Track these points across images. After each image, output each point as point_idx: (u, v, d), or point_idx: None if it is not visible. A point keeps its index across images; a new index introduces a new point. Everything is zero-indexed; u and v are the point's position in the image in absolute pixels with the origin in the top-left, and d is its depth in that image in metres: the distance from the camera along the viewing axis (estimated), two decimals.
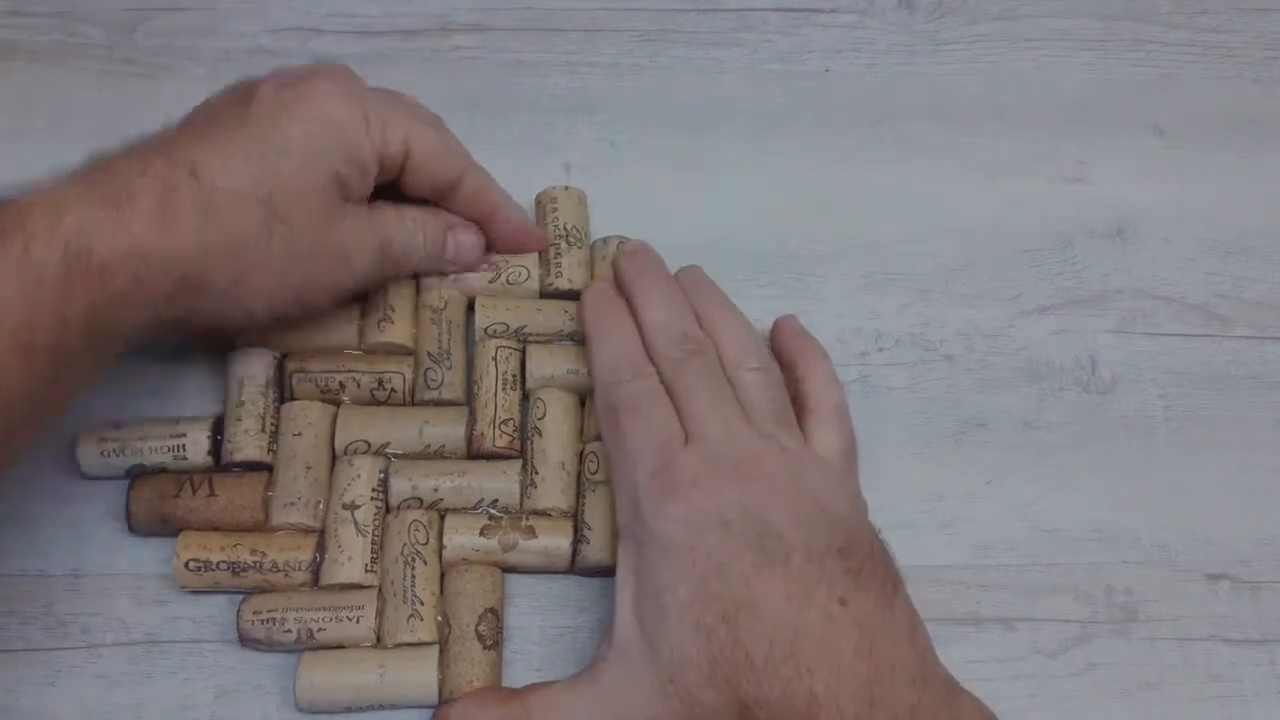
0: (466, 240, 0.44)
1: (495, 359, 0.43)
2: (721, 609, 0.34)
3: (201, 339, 0.43)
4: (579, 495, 0.42)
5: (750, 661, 0.33)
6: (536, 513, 0.41)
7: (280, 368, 0.43)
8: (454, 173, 0.43)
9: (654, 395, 0.38)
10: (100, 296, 0.33)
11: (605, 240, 0.46)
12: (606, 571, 0.42)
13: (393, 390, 0.43)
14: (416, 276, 0.44)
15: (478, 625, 0.39)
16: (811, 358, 0.42)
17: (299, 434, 0.41)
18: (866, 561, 0.35)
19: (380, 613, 0.40)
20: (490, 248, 0.45)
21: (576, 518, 0.42)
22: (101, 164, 0.35)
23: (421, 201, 0.43)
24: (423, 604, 0.40)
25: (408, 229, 0.42)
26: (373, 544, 0.40)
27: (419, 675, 0.39)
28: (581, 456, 0.43)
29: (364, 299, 0.44)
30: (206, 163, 0.35)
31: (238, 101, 0.38)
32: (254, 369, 0.42)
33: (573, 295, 0.45)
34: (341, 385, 0.43)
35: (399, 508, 0.41)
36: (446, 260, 0.44)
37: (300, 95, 0.38)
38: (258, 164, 0.36)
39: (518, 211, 0.45)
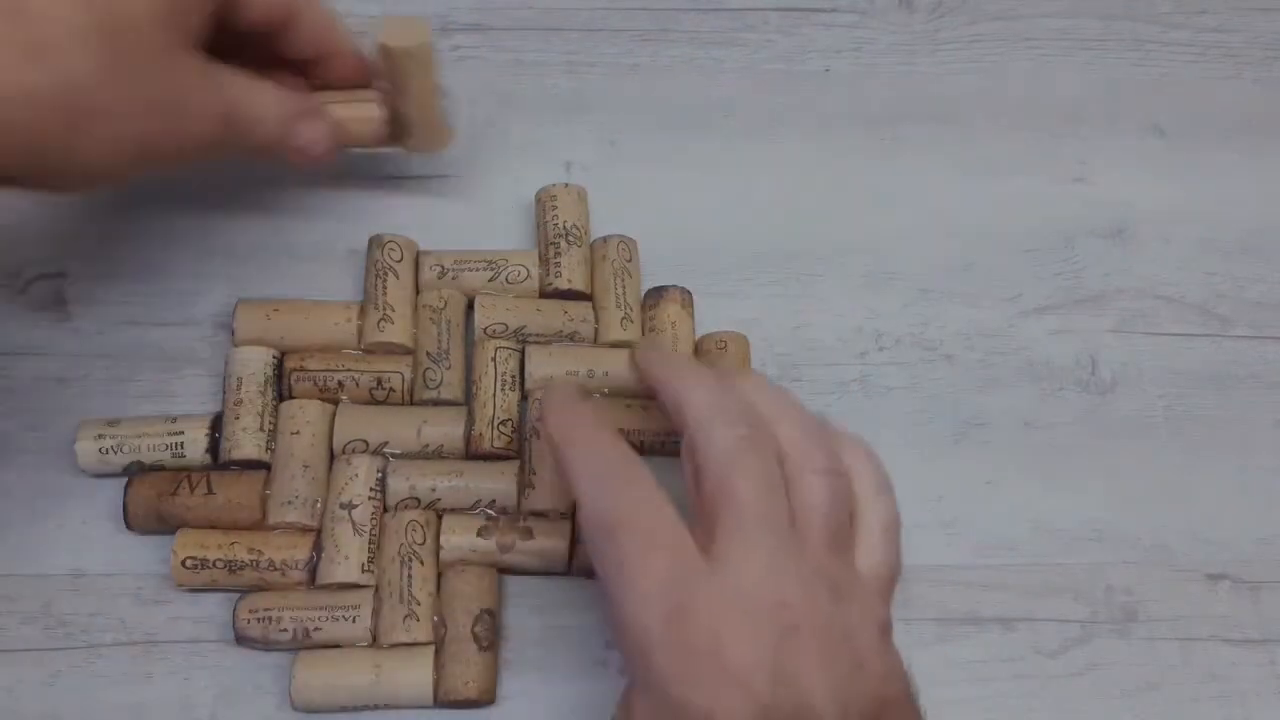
0: (317, 132, 0.40)
1: (494, 359, 0.43)
2: None
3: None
4: None
5: None
6: (534, 514, 0.41)
7: (279, 366, 0.43)
8: (292, 6, 0.40)
9: (659, 505, 0.31)
10: None
11: (605, 239, 0.46)
12: None
13: (391, 390, 0.43)
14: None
15: (474, 626, 0.39)
16: (855, 455, 0.35)
17: (297, 433, 0.41)
18: None
19: (376, 613, 0.40)
20: (326, 85, 0.42)
21: (574, 519, 0.42)
22: None
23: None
24: (419, 604, 0.40)
25: (257, 99, 0.38)
26: (370, 544, 0.40)
27: (414, 676, 0.39)
28: None
29: (363, 299, 0.44)
30: None
31: None
32: (253, 367, 0.42)
33: (572, 295, 0.45)
34: (340, 384, 0.43)
35: (396, 508, 0.41)
36: (293, 147, 0.40)
37: None
38: None
39: (355, 53, 0.42)
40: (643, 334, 0.45)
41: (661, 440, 0.43)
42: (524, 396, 0.43)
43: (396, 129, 0.43)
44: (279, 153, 0.40)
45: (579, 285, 0.45)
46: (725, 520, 0.31)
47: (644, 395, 0.37)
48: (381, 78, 0.42)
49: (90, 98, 0.32)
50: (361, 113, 0.43)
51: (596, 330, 0.44)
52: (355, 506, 0.41)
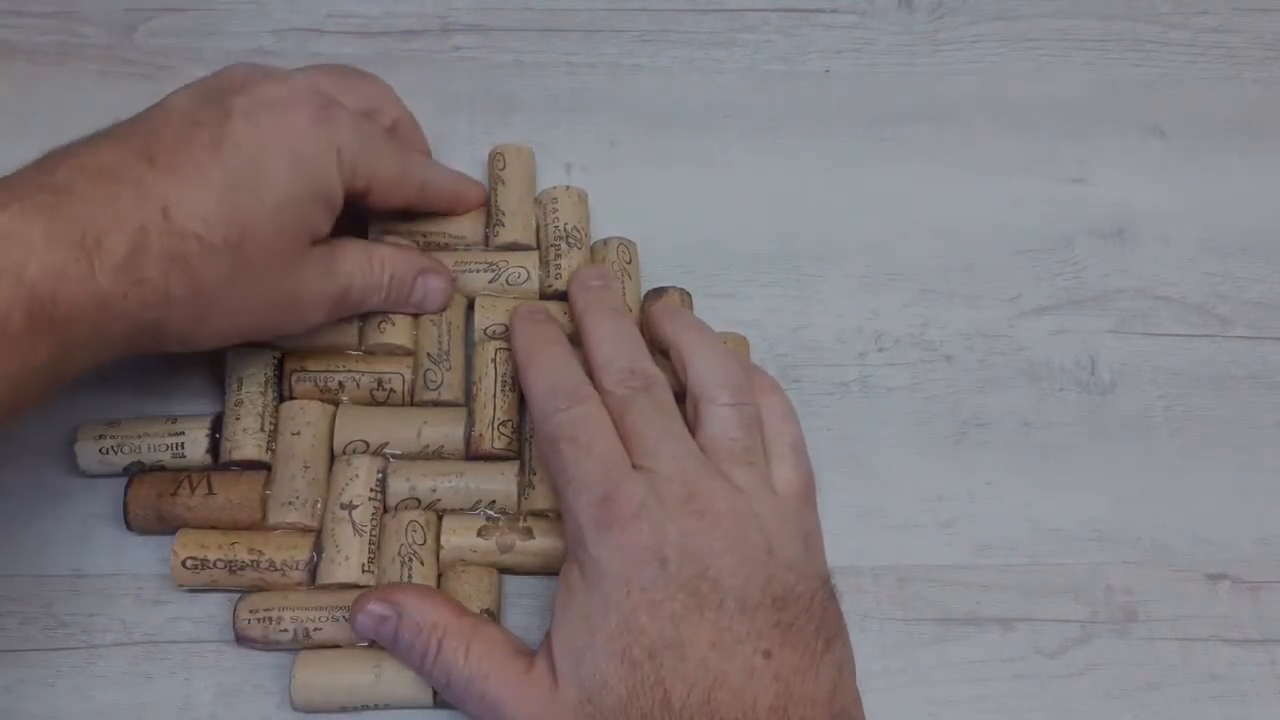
0: (436, 285, 0.43)
1: (494, 360, 0.43)
2: (648, 644, 0.34)
3: None
4: None
5: (668, 701, 0.33)
6: (534, 514, 0.41)
7: (280, 367, 0.43)
8: (413, 191, 0.43)
9: (594, 421, 0.37)
10: (61, 343, 0.32)
11: (606, 241, 0.46)
12: None
13: (392, 390, 0.43)
14: None
15: None
16: (763, 392, 0.41)
17: (298, 433, 0.41)
18: (802, 614, 0.35)
19: None
20: (448, 213, 0.45)
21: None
22: (64, 178, 0.33)
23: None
24: None
25: (372, 272, 0.41)
26: (370, 544, 0.40)
27: (414, 676, 0.39)
28: None
29: None
30: (179, 202, 0.34)
31: (211, 115, 0.36)
32: (253, 368, 0.42)
33: None
34: (341, 385, 0.43)
35: (397, 508, 0.41)
36: (411, 303, 0.43)
37: (277, 125, 0.36)
38: (230, 206, 0.35)
39: (475, 189, 0.46)
40: (643, 334, 0.45)
41: None
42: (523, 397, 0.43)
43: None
44: (392, 309, 0.43)
45: None
46: (632, 443, 0.37)
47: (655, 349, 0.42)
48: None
49: (214, 301, 0.35)
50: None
51: None
52: (355, 507, 0.41)
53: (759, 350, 0.46)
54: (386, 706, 0.39)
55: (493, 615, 0.40)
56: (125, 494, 0.41)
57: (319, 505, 0.41)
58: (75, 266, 0.32)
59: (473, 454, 0.42)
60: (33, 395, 0.32)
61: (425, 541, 0.40)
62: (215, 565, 0.39)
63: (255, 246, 0.36)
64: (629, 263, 0.45)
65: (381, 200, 0.42)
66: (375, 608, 0.37)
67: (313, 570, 0.40)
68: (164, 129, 0.35)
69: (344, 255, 0.40)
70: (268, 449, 0.41)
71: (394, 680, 0.39)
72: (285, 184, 0.36)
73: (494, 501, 0.41)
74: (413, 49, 0.51)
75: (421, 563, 0.40)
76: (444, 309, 0.44)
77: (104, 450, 0.41)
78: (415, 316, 0.44)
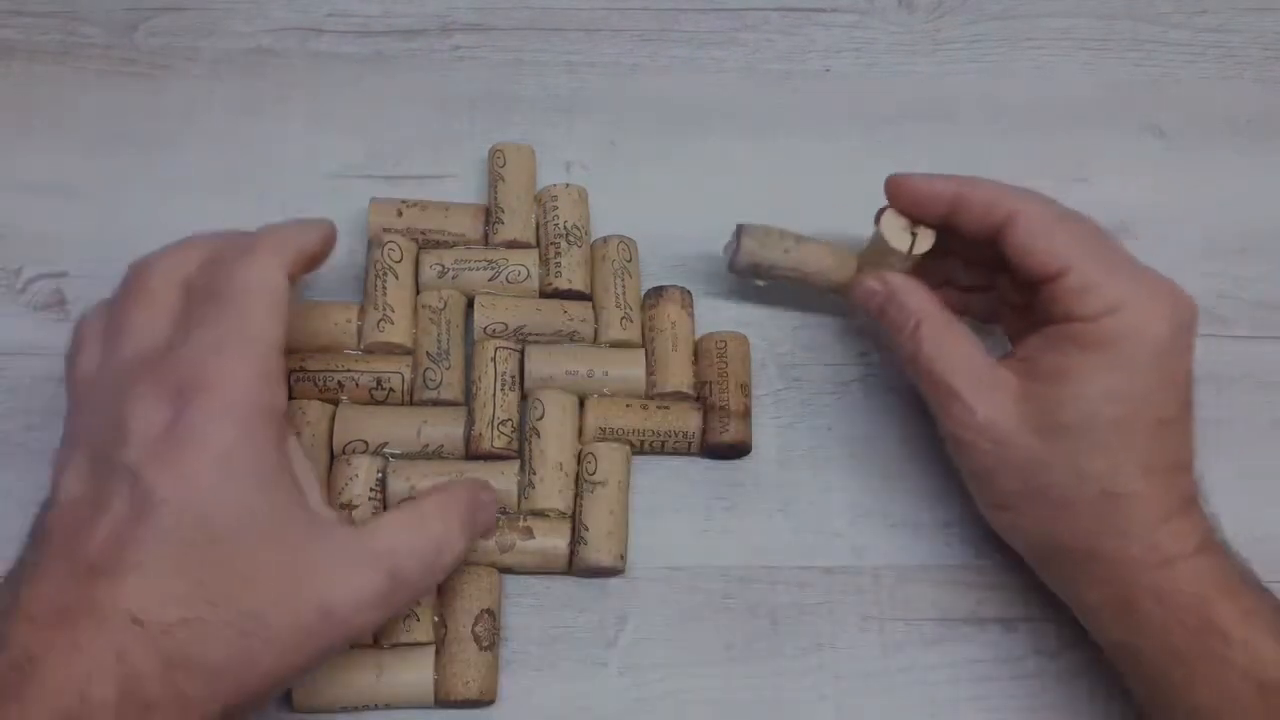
0: (488, 518, 0.40)
1: (494, 359, 0.43)
2: None
3: None
4: (577, 496, 0.42)
5: None
6: (534, 513, 0.41)
7: None
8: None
9: None
10: None
11: (606, 239, 0.46)
12: (604, 573, 0.42)
13: (391, 390, 0.43)
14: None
15: (474, 626, 0.39)
16: None
17: (297, 433, 0.41)
18: None
19: None
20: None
21: (574, 519, 0.42)
22: (17, 643, 0.29)
23: None
24: (419, 604, 0.39)
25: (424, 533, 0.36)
26: None
27: (415, 676, 0.39)
28: (580, 458, 0.42)
29: (363, 299, 0.44)
30: (144, 604, 0.30)
31: (115, 486, 0.31)
32: None
33: (572, 295, 0.45)
34: (340, 384, 0.43)
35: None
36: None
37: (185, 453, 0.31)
38: (195, 563, 0.30)
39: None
40: (642, 334, 0.45)
41: (660, 440, 0.43)
42: (523, 396, 0.43)
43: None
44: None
45: (579, 285, 0.45)
46: None
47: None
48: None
49: (240, 668, 0.31)
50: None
51: (596, 330, 0.44)
52: (355, 506, 0.41)
53: (759, 350, 0.46)
54: (387, 707, 0.39)
55: (492, 615, 0.40)
56: None
57: None
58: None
59: (472, 453, 0.42)
60: None
61: None
62: None
63: (242, 579, 0.31)
64: (629, 261, 0.45)
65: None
66: (871, 283, 0.41)
67: None
68: (78, 526, 0.31)
69: (383, 528, 0.35)
70: None
71: (395, 680, 0.39)
72: (239, 467, 0.32)
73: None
74: (413, 49, 0.51)
75: None
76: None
77: None
78: (414, 314, 0.44)
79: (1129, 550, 0.36)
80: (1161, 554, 0.36)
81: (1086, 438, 0.36)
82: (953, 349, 0.39)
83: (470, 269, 0.45)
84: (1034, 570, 0.40)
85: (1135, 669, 0.37)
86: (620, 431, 0.43)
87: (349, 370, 0.43)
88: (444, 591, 0.40)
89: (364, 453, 0.42)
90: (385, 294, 0.43)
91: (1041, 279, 0.38)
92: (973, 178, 0.41)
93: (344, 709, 0.39)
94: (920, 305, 0.40)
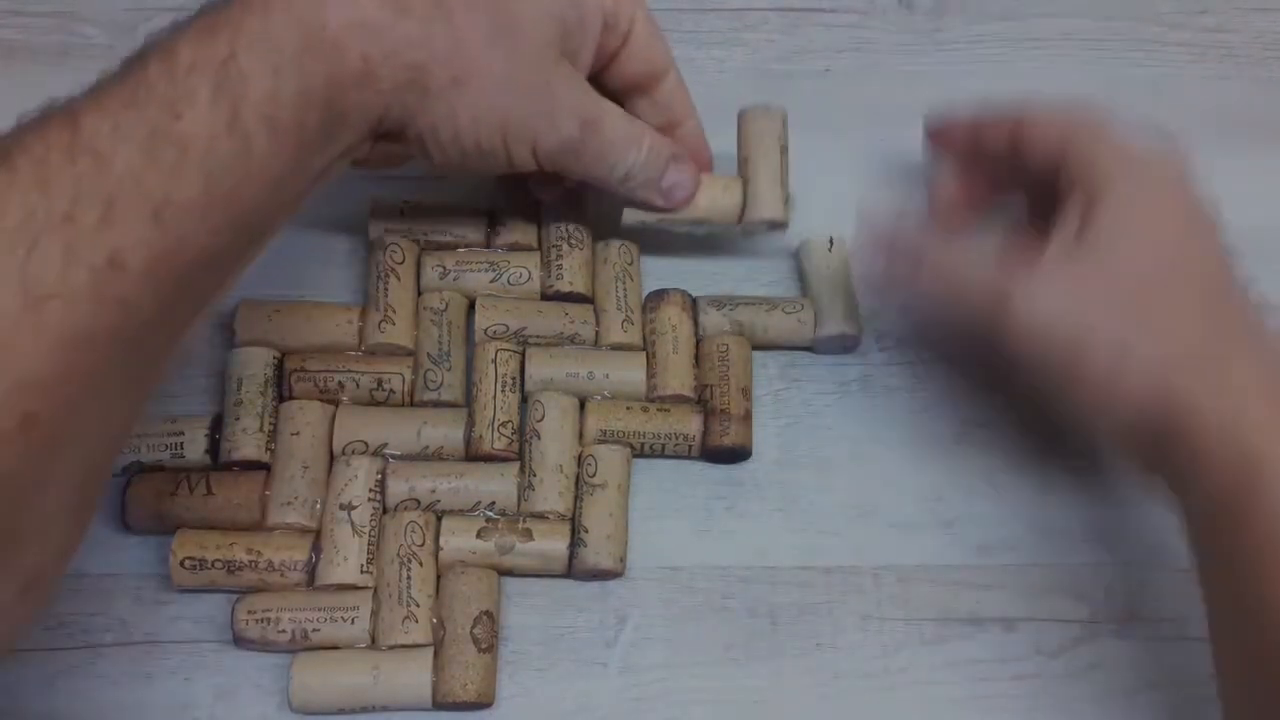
0: (687, 179, 0.42)
1: (495, 361, 0.43)
2: None
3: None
4: (577, 498, 0.42)
5: None
6: (534, 515, 0.41)
7: (279, 367, 0.43)
8: (663, 64, 0.42)
9: None
10: (335, 73, 0.32)
11: (607, 242, 0.46)
12: (604, 575, 0.42)
13: (392, 391, 0.43)
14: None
15: (473, 628, 0.39)
16: None
17: (297, 433, 0.41)
18: None
19: (375, 614, 0.40)
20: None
21: (574, 521, 0.42)
22: None
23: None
24: (418, 606, 0.40)
25: (630, 129, 0.40)
26: (369, 545, 0.40)
27: (413, 677, 0.39)
28: (580, 460, 0.42)
29: (364, 300, 0.44)
30: None
31: None
32: (253, 368, 0.42)
33: (573, 297, 0.45)
34: (340, 385, 0.43)
35: (396, 509, 0.41)
36: (660, 188, 0.42)
37: None
38: None
39: (699, 125, 0.44)
40: (643, 337, 0.45)
41: (661, 443, 0.43)
42: (524, 398, 0.43)
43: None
44: (636, 188, 0.41)
45: (580, 288, 0.45)
46: None
47: None
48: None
49: (474, 61, 0.35)
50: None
51: (597, 333, 0.44)
52: (355, 508, 0.41)
53: (760, 350, 0.46)
54: (385, 708, 0.39)
55: (491, 617, 0.40)
56: (124, 494, 0.41)
57: (318, 506, 0.41)
58: None
59: (472, 455, 0.42)
60: (314, 146, 0.32)
61: (424, 542, 0.40)
62: (214, 566, 0.39)
63: (509, 18, 0.36)
64: (630, 263, 0.45)
65: (636, 59, 0.41)
66: (865, 242, 0.41)
67: (311, 571, 0.40)
68: None
69: (608, 102, 0.40)
70: (267, 449, 0.41)
71: (393, 682, 0.39)
72: None
73: (493, 503, 0.41)
74: None
75: (420, 564, 0.40)
76: (686, 205, 0.43)
77: None
78: (415, 315, 0.44)
79: (1250, 412, 0.34)
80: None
81: (1162, 283, 0.36)
82: (971, 256, 0.39)
83: (472, 271, 0.45)
84: (1147, 471, 0.37)
85: (1237, 572, 0.34)
86: (620, 434, 0.43)
87: (350, 371, 0.43)
88: (443, 593, 0.40)
89: (364, 454, 0.42)
90: (386, 295, 0.43)
91: (1056, 157, 0.39)
92: (1016, 107, 0.42)
93: (341, 710, 0.39)
94: (917, 237, 0.40)
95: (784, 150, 0.45)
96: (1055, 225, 0.38)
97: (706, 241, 0.47)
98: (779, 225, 0.45)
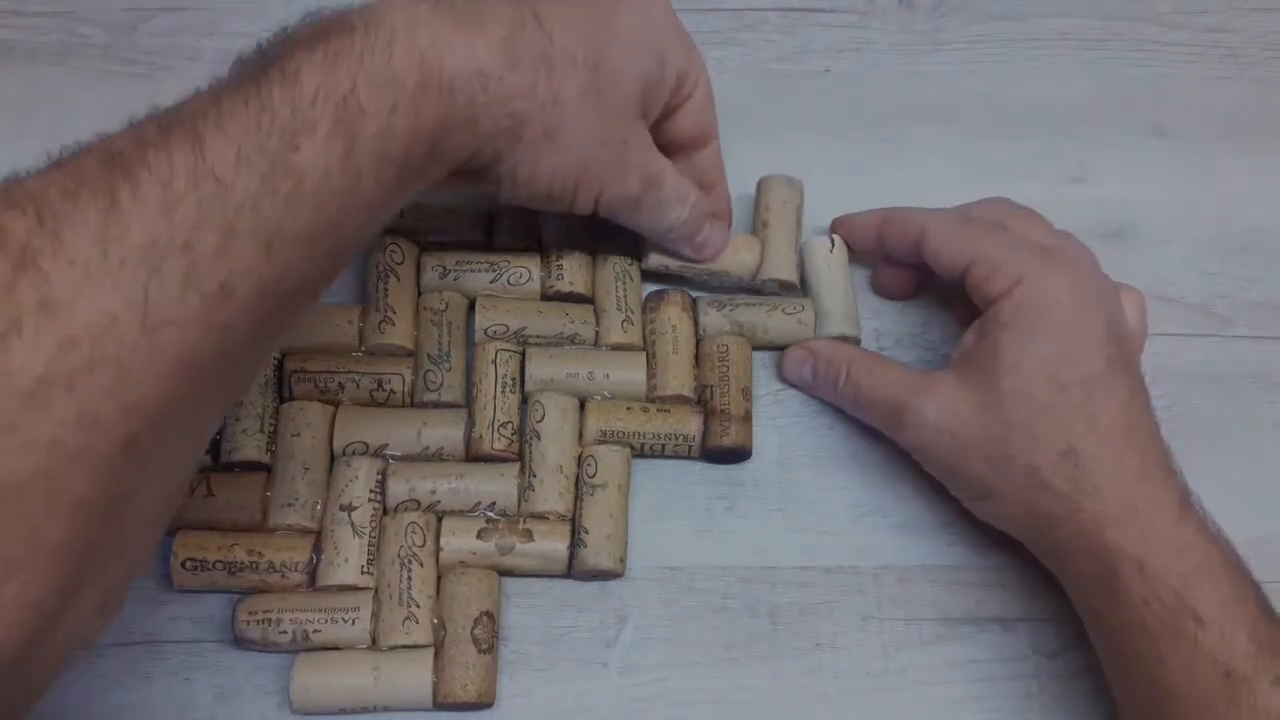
0: (719, 237, 0.45)
1: (495, 361, 0.43)
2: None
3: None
4: (577, 499, 0.42)
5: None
6: (534, 516, 0.41)
7: (280, 368, 0.43)
8: (711, 131, 0.44)
9: None
10: (445, 115, 0.33)
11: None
12: (604, 575, 0.42)
13: (392, 392, 0.43)
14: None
15: (473, 628, 0.39)
16: None
17: (297, 434, 0.41)
18: None
19: (376, 615, 0.40)
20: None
21: (574, 521, 0.42)
22: None
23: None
24: (418, 606, 0.40)
25: (680, 187, 0.42)
26: (369, 546, 0.40)
27: (413, 678, 0.39)
28: (580, 460, 0.42)
29: (364, 301, 0.44)
30: (548, 14, 0.36)
31: None
32: None
33: (573, 297, 0.45)
34: (341, 386, 0.43)
35: (396, 510, 0.41)
36: (694, 242, 0.44)
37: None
38: (589, 33, 0.37)
39: (727, 190, 0.46)
40: (643, 337, 0.45)
41: (661, 443, 0.43)
42: (524, 399, 0.43)
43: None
44: (675, 239, 0.44)
45: (580, 288, 0.45)
46: None
47: None
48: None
49: (567, 116, 0.37)
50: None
51: (597, 333, 0.44)
52: (355, 508, 0.41)
53: (760, 350, 0.46)
54: (385, 709, 0.39)
55: (492, 618, 0.40)
56: None
57: (318, 507, 0.41)
58: (459, 38, 0.33)
59: (473, 455, 0.42)
60: (412, 179, 0.33)
61: (425, 543, 0.41)
62: (214, 567, 0.39)
63: (604, 78, 0.37)
64: (630, 264, 0.45)
65: (690, 120, 0.43)
66: (795, 354, 0.45)
67: (312, 572, 0.40)
68: None
69: (667, 160, 0.42)
70: (267, 450, 0.41)
71: (393, 682, 0.39)
72: (637, 33, 0.39)
73: (494, 503, 0.41)
74: None
75: (421, 564, 0.40)
76: (714, 259, 0.45)
77: None
78: (415, 316, 0.44)
79: (1108, 510, 0.37)
80: (1142, 519, 0.37)
81: (1027, 402, 0.38)
82: (885, 374, 0.43)
83: (472, 271, 0.45)
84: (1031, 550, 0.41)
85: (1108, 640, 0.38)
86: (620, 434, 0.43)
87: (350, 372, 0.43)
88: (443, 594, 0.40)
89: (364, 454, 0.42)
90: (386, 295, 0.43)
91: (957, 274, 0.41)
92: (894, 208, 0.45)
93: (342, 711, 0.39)
94: (844, 354, 0.44)
95: (800, 220, 0.47)
96: (959, 342, 0.41)
97: None
98: (789, 286, 0.46)
